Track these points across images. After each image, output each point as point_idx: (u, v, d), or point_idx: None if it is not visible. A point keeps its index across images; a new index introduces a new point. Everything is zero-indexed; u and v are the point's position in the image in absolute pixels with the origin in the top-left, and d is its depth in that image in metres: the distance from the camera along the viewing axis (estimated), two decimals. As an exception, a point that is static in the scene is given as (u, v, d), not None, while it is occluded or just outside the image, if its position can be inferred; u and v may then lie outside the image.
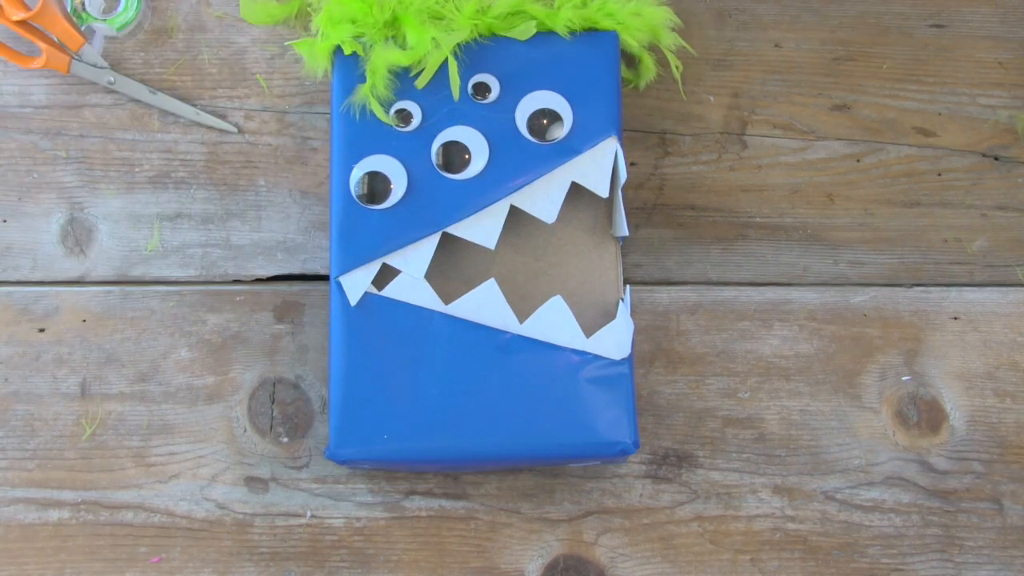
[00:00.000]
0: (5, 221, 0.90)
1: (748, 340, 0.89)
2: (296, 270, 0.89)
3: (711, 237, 0.90)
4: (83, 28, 0.91)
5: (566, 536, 0.86)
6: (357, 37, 0.85)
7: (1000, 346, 0.89)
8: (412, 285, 0.82)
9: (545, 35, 0.85)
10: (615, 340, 0.81)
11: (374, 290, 0.82)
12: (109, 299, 0.89)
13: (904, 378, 0.88)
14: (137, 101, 0.91)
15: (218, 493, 0.86)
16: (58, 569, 0.85)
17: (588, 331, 0.81)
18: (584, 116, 0.83)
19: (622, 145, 0.83)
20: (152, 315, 0.88)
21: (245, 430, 0.87)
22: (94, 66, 0.91)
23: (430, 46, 0.84)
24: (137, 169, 0.91)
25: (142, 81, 0.91)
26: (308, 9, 0.92)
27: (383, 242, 0.82)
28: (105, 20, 0.91)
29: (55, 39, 0.90)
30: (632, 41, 0.87)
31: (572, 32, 0.85)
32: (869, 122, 0.92)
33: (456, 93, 0.84)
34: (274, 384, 0.87)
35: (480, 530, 0.86)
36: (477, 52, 0.85)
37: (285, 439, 0.87)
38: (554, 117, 0.83)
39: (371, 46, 0.84)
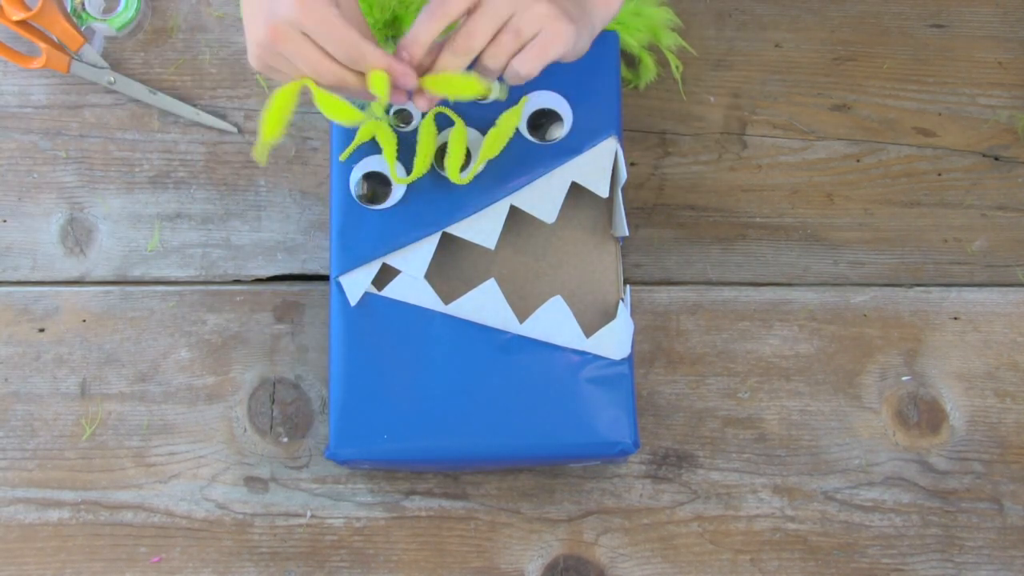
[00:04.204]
0: (5, 221, 0.90)
1: (748, 340, 0.88)
2: (296, 270, 0.89)
3: (711, 237, 0.90)
4: (83, 28, 0.91)
5: (566, 536, 0.85)
6: (357, 37, 0.85)
7: (1000, 346, 0.89)
8: (412, 285, 0.82)
9: (545, 35, 0.85)
10: (615, 340, 0.81)
11: (374, 290, 0.82)
12: (109, 299, 0.89)
13: (904, 378, 0.88)
14: (137, 101, 0.91)
15: (218, 493, 0.86)
16: (58, 569, 0.85)
17: (588, 331, 0.81)
18: (584, 116, 0.83)
19: (622, 145, 0.83)
20: (152, 315, 0.88)
21: (245, 430, 0.87)
22: (94, 66, 0.91)
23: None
24: (137, 169, 0.91)
25: (142, 81, 0.91)
26: (308, 9, 0.92)
27: (383, 242, 0.81)
28: (105, 20, 0.91)
29: (55, 39, 0.90)
30: (632, 41, 0.87)
31: (572, 32, 0.85)
32: (869, 122, 0.92)
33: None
34: (274, 384, 0.87)
35: (480, 530, 0.86)
36: (477, 52, 0.84)
37: (285, 439, 0.87)
38: (554, 117, 0.83)
39: (371, 46, 0.84)
